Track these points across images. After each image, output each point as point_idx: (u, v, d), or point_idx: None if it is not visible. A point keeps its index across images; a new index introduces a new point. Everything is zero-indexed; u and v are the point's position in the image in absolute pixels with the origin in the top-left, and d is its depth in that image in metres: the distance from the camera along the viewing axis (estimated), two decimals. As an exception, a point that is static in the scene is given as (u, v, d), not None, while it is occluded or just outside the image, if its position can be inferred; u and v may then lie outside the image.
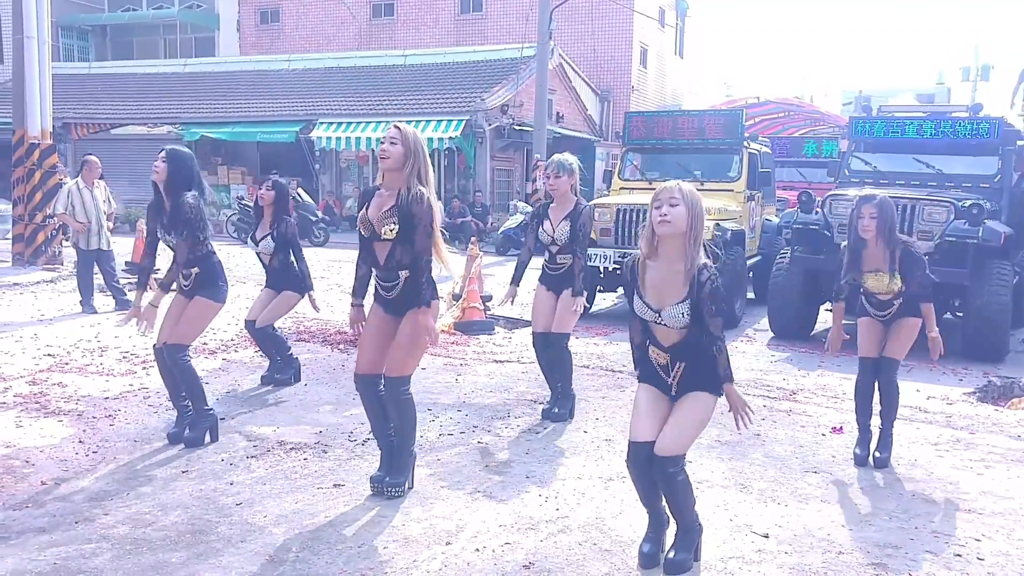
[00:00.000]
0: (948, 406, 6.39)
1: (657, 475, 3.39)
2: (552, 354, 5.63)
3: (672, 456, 3.36)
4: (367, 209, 4.11)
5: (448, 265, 4.27)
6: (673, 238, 3.28)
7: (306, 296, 6.49)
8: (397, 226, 3.99)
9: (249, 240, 6.48)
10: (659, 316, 3.34)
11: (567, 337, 5.65)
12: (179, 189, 4.79)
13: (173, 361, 4.88)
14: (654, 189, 3.41)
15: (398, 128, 4.03)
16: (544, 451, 5.00)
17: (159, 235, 4.94)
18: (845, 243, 5.06)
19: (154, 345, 5.03)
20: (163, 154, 4.81)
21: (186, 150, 5.01)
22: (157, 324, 4.90)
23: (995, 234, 8.00)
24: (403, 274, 4.08)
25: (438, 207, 4.09)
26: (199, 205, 4.84)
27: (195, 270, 4.91)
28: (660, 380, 3.46)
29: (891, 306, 4.92)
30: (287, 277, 6.42)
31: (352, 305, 4.28)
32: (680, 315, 3.29)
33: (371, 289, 4.27)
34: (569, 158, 5.57)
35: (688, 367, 3.39)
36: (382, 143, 4.03)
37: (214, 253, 5.00)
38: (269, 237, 6.33)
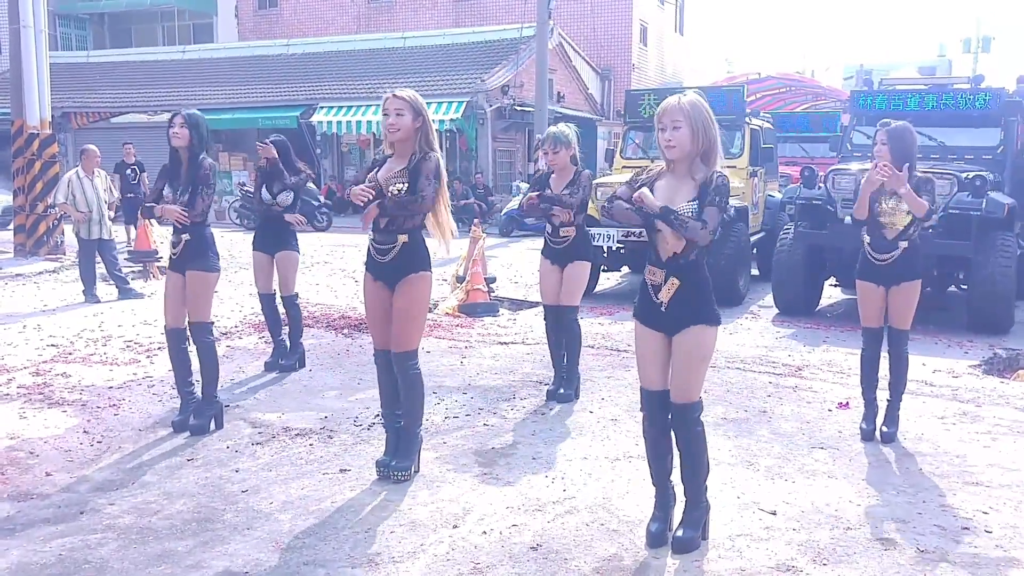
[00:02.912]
0: (954, 379, 6.36)
1: (676, 424, 3.40)
2: (562, 328, 5.62)
3: (691, 403, 3.37)
4: (377, 171, 4.12)
5: (448, 238, 4.25)
6: (684, 158, 3.27)
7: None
8: (405, 186, 4.01)
9: (264, 194, 6.36)
10: None
11: (576, 310, 5.64)
12: (198, 151, 4.83)
13: (199, 340, 4.90)
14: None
15: (400, 97, 4.00)
16: (550, 432, 4.99)
17: (166, 194, 4.91)
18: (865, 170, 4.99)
19: (165, 327, 5.02)
20: (180, 119, 4.79)
21: (199, 112, 4.97)
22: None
23: (998, 206, 7.97)
24: (401, 238, 4.08)
25: (444, 177, 4.12)
26: (214, 169, 4.89)
27: (185, 237, 4.85)
28: (655, 311, 3.38)
29: (895, 248, 4.80)
30: (284, 233, 6.37)
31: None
32: (688, 213, 3.23)
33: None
34: (564, 129, 5.52)
35: (682, 287, 3.31)
36: (387, 116, 4.00)
37: (208, 224, 4.97)
38: (286, 189, 6.29)
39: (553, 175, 5.57)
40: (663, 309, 3.35)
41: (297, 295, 6.54)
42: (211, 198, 4.91)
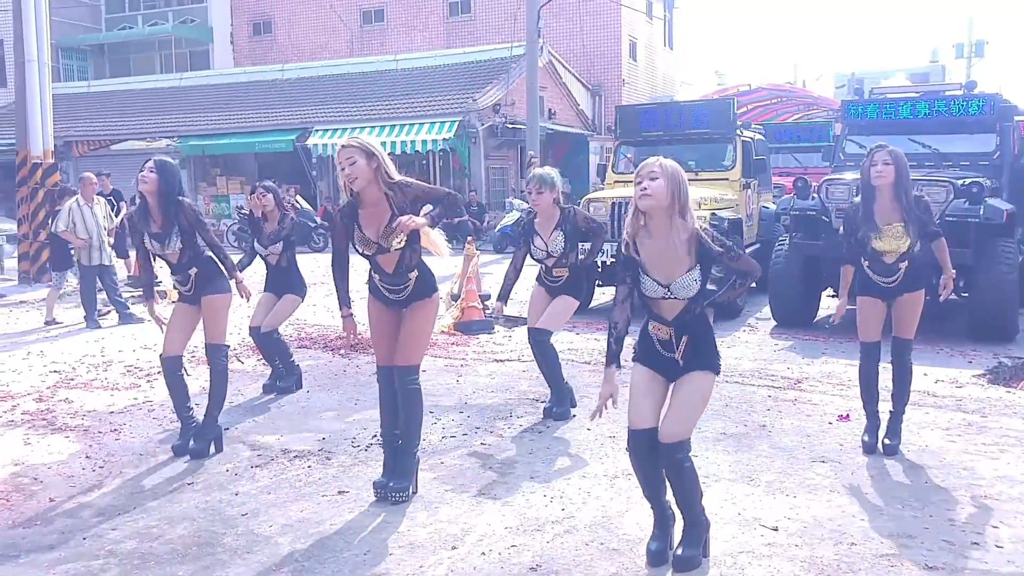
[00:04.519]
0: (958, 389, 6.30)
1: (665, 463, 3.37)
2: (535, 349, 5.64)
3: (679, 441, 3.34)
4: (360, 229, 4.09)
5: (443, 254, 4.45)
6: (658, 212, 3.28)
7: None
8: (404, 239, 4.04)
9: (256, 244, 6.47)
10: (668, 291, 3.31)
11: (550, 334, 5.65)
12: (169, 197, 4.79)
13: (214, 362, 4.96)
14: None
15: (348, 146, 3.99)
16: (548, 450, 4.97)
17: (147, 245, 4.92)
18: (856, 199, 4.96)
19: (161, 356, 5.02)
20: (151, 164, 4.79)
21: (172, 162, 5.00)
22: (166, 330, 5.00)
23: (997, 212, 7.86)
24: (412, 276, 4.14)
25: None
26: (196, 212, 4.89)
27: (193, 271, 4.90)
28: (660, 358, 3.41)
29: (897, 271, 4.75)
30: (291, 278, 6.45)
31: (345, 316, 4.28)
32: (692, 283, 3.28)
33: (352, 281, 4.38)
34: (550, 171, 5.56)
35: (691, 340, 3.35)
36: (342, 169, 3.97)
37: (205, 249, 4.99)
38: (274, 240, 6.34)
39: (537, 219, 5.61)
40: (679, 363, 3.37)
41: (276, 331, 6.43)
42: (209, 232, 4.98)
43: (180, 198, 4.84)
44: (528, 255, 5.71)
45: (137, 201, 5.10)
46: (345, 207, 4.14)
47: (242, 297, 5.21)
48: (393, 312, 4.24)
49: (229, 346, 5.01)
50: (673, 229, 3.28)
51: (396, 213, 4.02)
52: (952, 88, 10.44)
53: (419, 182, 4.16)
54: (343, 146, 4.01)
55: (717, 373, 3.42)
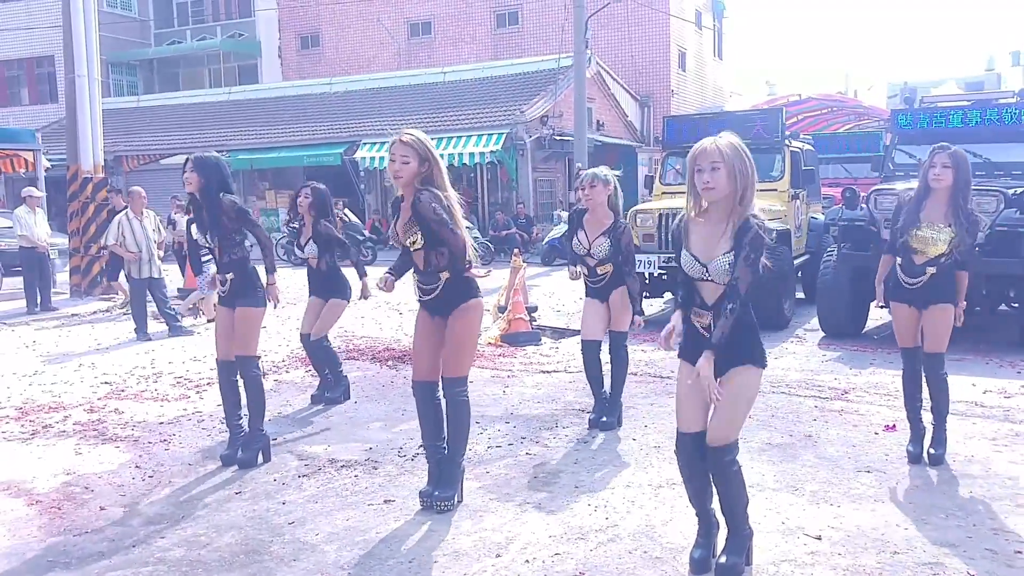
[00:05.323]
0: (1006, 400, 6.19)
1: (712, 466, 3.36)
2: (612, 355, 5.62)
3: (726, 445, 3.32)
4: (396, 222, 4.18)
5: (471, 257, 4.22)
6: (721, 200, 3.25)
7: (361, 283, 6.57)
8: (420, 235, 4.02)
9: (296, 248, 6.57)
10: (706, 271, 3.27)
11: (626, 336, 5.66)
12: (215, 193, 4.87)
13: (245, 374, 5.00)
14: None
15: (405, 143, 3.99)
16: (593, 460, 4.98)
17: (196, 238, 5.06)
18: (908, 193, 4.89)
19: (217, 359, 5.14)
20: (189, 164, 4.88)
21: (212, 155, 5.02)
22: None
23: None
24: (443, 276, 4.13)
25: (454, 196, 4.08)
26: (239, 204, 4.95)
27: (230, 276, 4.97)
28: (701, 348, 3.32)
29: (923, 273, 4.70)
30: (334, 282, 6.51)
31: (387, 273, 4.27)
32: (726, 265, 3.22)
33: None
34: (604, 171, 5.52)
35: (732, 328, 3.26)
36: (393, 161, 4.00)
37: (249, 260, 5.07)
38: (312, 241, 6.44)
39: (587, 215, 5.55)
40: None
41: (325, 339, 6.54)
42: (262, 230, 5.04)
43: (220, 195, 4.86)
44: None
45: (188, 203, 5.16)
46: (398, 198, 4.19)
47: (270, 301, 5.15)
48: (436, 323, 4.24)
49: (259, 357, 5.04)
50: (729, 216, 3.24)
51: (412, 214, 4.00)
52: (1005, 96, 10.24)
53: (428, 212, 3.91)
54: (402, 141, 3.99)
55: (762, 367, 3.34)
